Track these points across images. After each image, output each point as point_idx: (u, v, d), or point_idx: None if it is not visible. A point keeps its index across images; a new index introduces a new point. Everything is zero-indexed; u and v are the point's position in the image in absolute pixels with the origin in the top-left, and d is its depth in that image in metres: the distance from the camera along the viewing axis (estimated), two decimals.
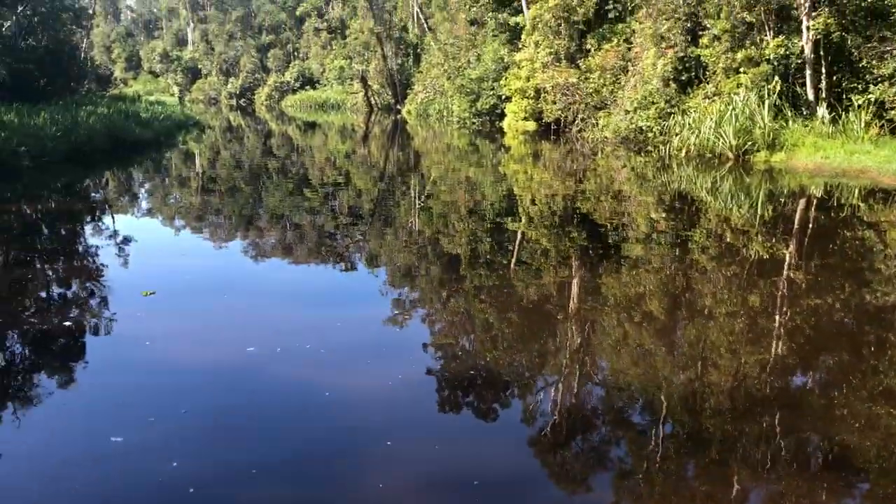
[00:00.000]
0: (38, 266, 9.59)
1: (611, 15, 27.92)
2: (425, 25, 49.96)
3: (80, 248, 10.91)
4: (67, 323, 7.06)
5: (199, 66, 79.33)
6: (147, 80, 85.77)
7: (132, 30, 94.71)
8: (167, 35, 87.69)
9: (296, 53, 70.35)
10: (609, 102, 25.35)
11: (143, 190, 17.92)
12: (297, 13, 67.96)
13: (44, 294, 8.29)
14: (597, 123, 25.22)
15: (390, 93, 51.62)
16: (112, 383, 5.73)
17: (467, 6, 36.79)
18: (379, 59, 50.79)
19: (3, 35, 25.86)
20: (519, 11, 32.66)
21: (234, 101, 71.40)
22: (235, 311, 7.58)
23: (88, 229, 12.59)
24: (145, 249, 10.72)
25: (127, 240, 11.23)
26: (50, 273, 9.34)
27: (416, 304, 8.23)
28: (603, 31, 28.17)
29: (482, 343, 6.84)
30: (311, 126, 42.79)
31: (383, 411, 5.26)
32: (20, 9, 26.48)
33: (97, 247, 10.70)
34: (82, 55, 36.84)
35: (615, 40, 26.35)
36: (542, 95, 28.65)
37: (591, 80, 26.13)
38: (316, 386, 5.68)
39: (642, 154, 21.14)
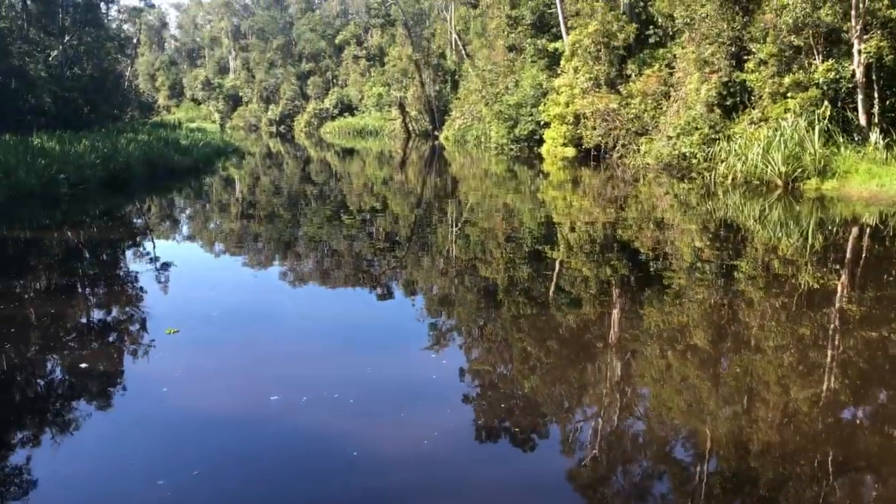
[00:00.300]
0: (64, 298, 9.39)
1: (651, 40, 27.85)
2: (463, 52, 50.54)
3: (109, 280, 10.71)
4: (84, 364, 6.72)
5: (240, 94, 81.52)
6: (189, 107, 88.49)
7: (176, 58, 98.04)
8: (209, 63, 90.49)
9: (335, 81, 71.81)
10: (651, 128, 25.17)
11: (177, 217, 17.96)
12: (337, 41, 69.54)
13: (64, 330, 7.98)
14: (638, 149, 25.03)
15: (428, 119, 52.16)
16: (120, 435, 5.33)
17: (505, 32, 37.17)
18: (417, 85, 51.47)
19: (50, 64, 26.99)
20: (558, 37, 32.85)
21: (273, 128, 73.09)
22: (261, 352, 7.22)
23: (120, 259, 12.55)
24: (175, 280, 10.53)
25: (157, 270, 11.12)
26: (73, 306, 9.05)
27: (452, 343, 7.82)
28: (643, 56, 28.12)
29: (522, 382, 6.57)
30: (349, 152, 43.31)
31: (417, 474, 4.83)
32: (67, 38, 27.64)
33: (126, 278, 10.68)
34: (126, 83, 38.24)
35: (656, 65, 26.25)
36: (582, 121, 28.61)
37: (632, 106, 26.02)
38: (342, 442, 5.18)
39: (686, 181, 20.86)
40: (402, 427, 5.43)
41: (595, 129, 27.43)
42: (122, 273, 11.25)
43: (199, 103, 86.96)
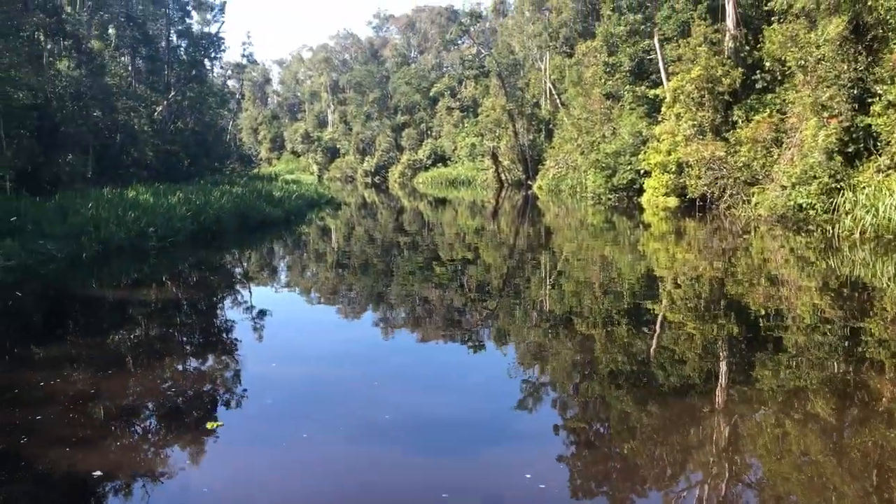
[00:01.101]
0: (109, 372, 8.46)
1: (758, 85, 26.92)
2: (558, 101, 50.61)
3: (167, 350, 9.74)
4: (98, 472, 5.72)
5: (338, 146, 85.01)
6: (289, 159, 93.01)
7: (277, 112, 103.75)
8: (309, 117, 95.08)
9: (429, 132, 73.64)
10: (761, 177, 24.02)
11: (260, 272, 17.44)
12: (431, 93, 71.54)
13: (94, 413, 7.01)
14: (749, 200, 23.88)
15: (521, 168, 52.23)
16: None
17: (603, 80, 36.92)
18: (510, 135, 51.82)
19: (154, 119, 28.99)
20: (657, 84, 32.29)
21: (369, 179, 75.56)
22: (312, 458, 6.07)
23: (189, 323, 11.78)
24: (240, 349, 9.69)
25: (223, 336, 10.42)
26: (116, 383, 8.03)
27: (549, 439, 6.60)
28: (751, 102, 27.14)
29: (631, 477, 5.69)
30: (442, 202, 43.80)
31: None
32: (171, 94, 29.67)
33: (185, 348, 9.98)
34: (228, 137, 40.66)
35: (767, 111, 25.20)
36: (686, 170, 27.71)
37: (740, 154, 24.97)
38: None
39: (803, 234, 19.61)
40: None
41: (700, 178, 26.45)
42: (184, 341, 10.53)
43: (299, 155, 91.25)
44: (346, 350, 9.82)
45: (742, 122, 26.57)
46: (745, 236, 20.60)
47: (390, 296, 13.91)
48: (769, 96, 26.42)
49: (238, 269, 18.02)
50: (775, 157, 23.83)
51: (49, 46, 23.08)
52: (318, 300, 14.02)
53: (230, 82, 62.79)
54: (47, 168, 20.98)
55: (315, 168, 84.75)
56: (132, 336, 10.53)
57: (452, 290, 14.25)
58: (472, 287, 14.50)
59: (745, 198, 24.34)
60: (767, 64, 26.15)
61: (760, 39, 26.21)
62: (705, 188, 26.39)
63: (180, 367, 9.03)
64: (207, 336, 10.82)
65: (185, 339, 10.74)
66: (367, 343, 10.23)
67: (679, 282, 14.20)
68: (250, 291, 14.64)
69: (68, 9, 25.20)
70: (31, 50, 20.39)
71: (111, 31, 29.04)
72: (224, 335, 10.71)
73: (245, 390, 7.91)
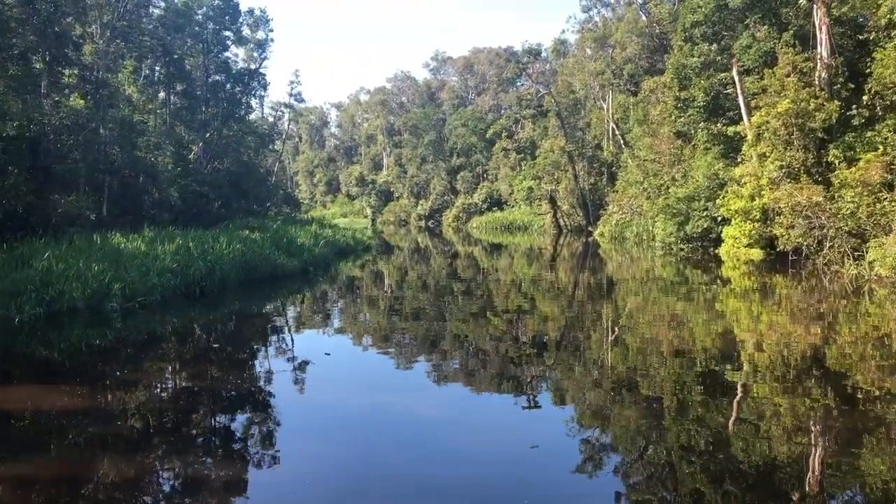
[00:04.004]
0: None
1: (855, 121, 23.34)
2: (622, 141, 47.47)
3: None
4: None
5: (392, 189, 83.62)
6: (343, 202, 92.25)
7: (334, 155, 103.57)
8: (365, 160, 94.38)
9: (485, 175, 71.28)
10: (869, 227, 20.18)
11: (225, 355, 12.72)
12: (488, 135, 69.41)
13: None
14: (863, 255, 19.96)
15: (581, 214, 49.21)
16: None
17: (673, 117, 33.49)
18: (569, 178, 48.90)
19: (189, 159, 27.05)
20: (736, 120, 28.82)
21: (422, 223, 73.61)
22: None
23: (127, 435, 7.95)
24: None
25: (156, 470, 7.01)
26: None
27: None
28: (849, 140, 23.45)
29: None
30: (497, 248, 41.59)
31: None
32: (208, 134, 27.79)
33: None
34: (273, 178, 38.80)
35: (881, 148, 21.45)
36: (773, 217, 24.01)
37: (844, 200, 21.14)
38: None
39: None
40: None
41: (792, 227, 22.63)
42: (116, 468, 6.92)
43: (353, 198, 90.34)
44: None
45: (839, 162, 22.87)
46: (853, 298, 16.93)
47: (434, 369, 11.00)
48: (869, 133, 22.75)
49: (192, 353, 12.85)
50: (885, 203, 20.03)
51: (48, 74, 20.76)
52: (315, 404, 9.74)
53: (289, 125, 62.05)
54: (41, 209, 18.54)
55: (369, 211, 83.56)
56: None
57: (506, 342, 13.49)
58: (528, 341, 13.56)
59: (849, 251, 20.49)
60: (865, 98, 22.58)
61: (869, 64, 22.55)
62: (798, 240, 22.55)
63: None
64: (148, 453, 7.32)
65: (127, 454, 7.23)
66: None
67: (765, 347, 12.34)
68: (185, 388, 10.41)
69: (97, 40, 23.35)
70: (19, 74, 18.14)
71: (143, 64, 27.30)
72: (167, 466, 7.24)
73: None
